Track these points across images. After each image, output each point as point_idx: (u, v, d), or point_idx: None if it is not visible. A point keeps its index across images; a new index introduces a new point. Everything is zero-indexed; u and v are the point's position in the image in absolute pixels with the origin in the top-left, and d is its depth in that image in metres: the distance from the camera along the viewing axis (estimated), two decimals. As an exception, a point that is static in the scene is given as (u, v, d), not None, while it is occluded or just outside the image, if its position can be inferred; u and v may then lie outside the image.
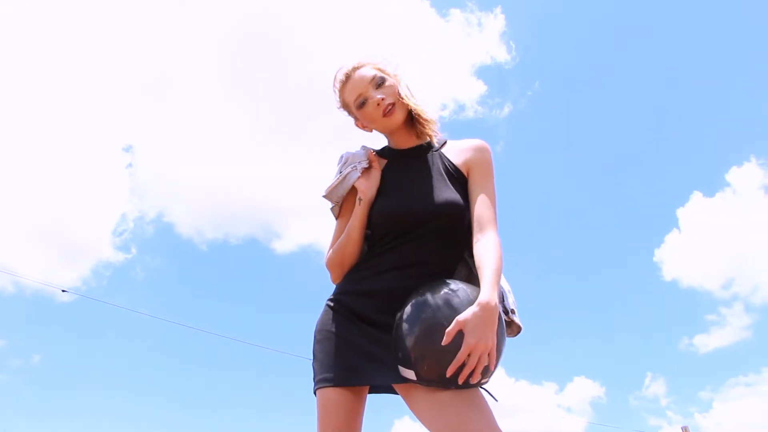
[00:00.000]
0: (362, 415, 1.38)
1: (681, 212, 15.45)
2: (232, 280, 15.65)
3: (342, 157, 1.59)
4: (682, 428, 8.68)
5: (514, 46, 16.19)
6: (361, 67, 1.54)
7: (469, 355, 1.13)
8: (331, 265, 1.51)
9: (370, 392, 1.42)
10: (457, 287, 1.25)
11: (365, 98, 1.50)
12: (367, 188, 1.49)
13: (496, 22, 16.53)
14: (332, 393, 1.33)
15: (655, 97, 17.73)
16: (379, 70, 1.53)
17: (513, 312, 1.37)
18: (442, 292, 1.23)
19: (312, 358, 1.44)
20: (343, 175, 1.54)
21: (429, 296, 1.23)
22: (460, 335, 1.13)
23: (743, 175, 15.29)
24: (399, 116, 1.50)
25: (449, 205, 1.40)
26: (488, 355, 1.15)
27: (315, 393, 1.38)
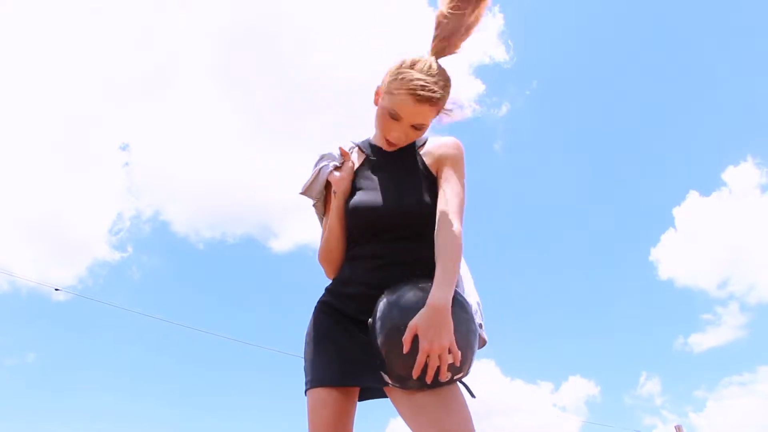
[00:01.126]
0: (353, 416, 1.38)
1: (677, 211, 15.51)
2: (229, 279, 15.65)
3: (319, 156, 1.60)
4: (675, 427, 8.70)
5: (512, 45, 16.17)
6: (434, 103, 1.37)
7: (429, 357, 1.13)
8: (321, 260, 1.52)
9: (363, 398, 1.42)
10: (421, 287, 1.24)
11: (397, 118, 1.39)
12: (340, 179, 1.50)
13: (494, 21, 16.54)
14: (321, 393, 1.34)
15: (652, 97, 17.81)
16: (435, 112, 1.40)
17: (480, 326, 1.36)
18: (407, 294, 1.24)
19: (303, 359, 1.45)
20: (317, 170, 1.56)
21: (394, 299, 1.24)
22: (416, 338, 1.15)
23: (740, 175, 15.36)
24: (393, 149, 1.49)
25: (416, 206, 1.39)
26: (450, 352, 1.15)
27: (305, 394, 1.39)
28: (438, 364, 1.14)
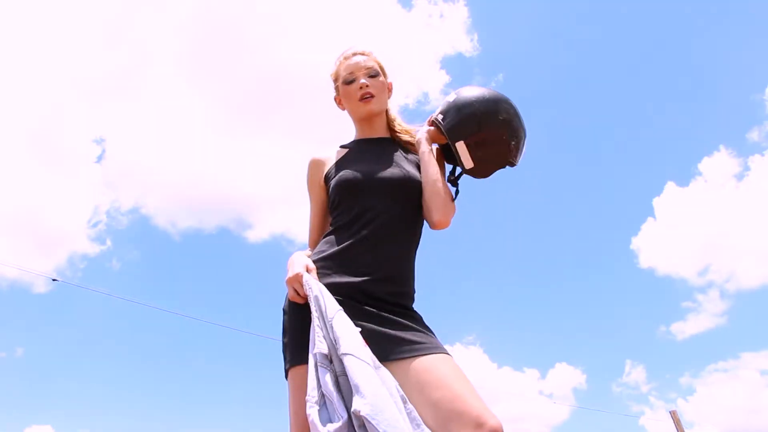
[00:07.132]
0: None
1: (657, 201, 15.71)
2: (206, 269, 15.35)
3: None
4: (670, 412, 8.80)
5: (477, 37, 16.26)
6: (367, 55, 1.72)
7: None
8: None
9: None
10: None
11: (354, 78, 1.67)
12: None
13: (459, 12, 16.60)
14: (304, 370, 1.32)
15: (628, 89, 18.01)
16: (379, 66, 1.71)
17: None
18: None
19: (282, 338, 1.46)
20: None
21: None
22: None
23: (714, 165, 15.64)
24: (372, 108, 1.67)
25: (408, 178, 1.56)
26: None
27: (287, 373, 1.41)
28: None
